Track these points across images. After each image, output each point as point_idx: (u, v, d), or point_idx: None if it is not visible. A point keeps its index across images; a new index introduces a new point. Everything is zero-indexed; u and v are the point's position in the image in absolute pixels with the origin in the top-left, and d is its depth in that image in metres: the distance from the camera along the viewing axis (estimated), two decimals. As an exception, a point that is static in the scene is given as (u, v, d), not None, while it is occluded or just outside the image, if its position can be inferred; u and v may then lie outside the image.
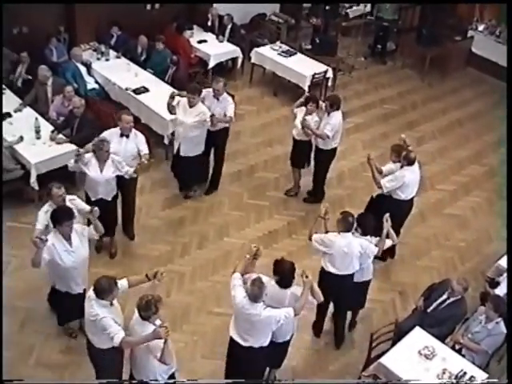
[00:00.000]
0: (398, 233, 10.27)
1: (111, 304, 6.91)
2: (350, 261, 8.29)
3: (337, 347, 9.12)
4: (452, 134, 14.76)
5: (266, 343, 7.39)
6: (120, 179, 9.46)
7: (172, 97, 10.63)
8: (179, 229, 10.91)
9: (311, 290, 7.31)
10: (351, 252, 8.23)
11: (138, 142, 9.73)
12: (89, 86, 13.27)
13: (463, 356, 7.97)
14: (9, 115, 11.57)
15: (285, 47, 15.80)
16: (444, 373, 7.52)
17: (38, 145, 10.90)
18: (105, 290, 6.76)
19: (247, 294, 7.05)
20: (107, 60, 14.12)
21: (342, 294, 8.60)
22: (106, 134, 9.52)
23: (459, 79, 17.33)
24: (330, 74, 15.01)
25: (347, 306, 9.06)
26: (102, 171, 9.11)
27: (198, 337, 8.84)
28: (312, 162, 11.49)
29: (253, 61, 15.76)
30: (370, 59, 18.03)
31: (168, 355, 6.61)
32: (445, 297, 8.25)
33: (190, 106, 10.40)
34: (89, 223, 8.20)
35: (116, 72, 13.63)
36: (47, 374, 8.19)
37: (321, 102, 11.07)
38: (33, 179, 10.49)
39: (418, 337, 8.00)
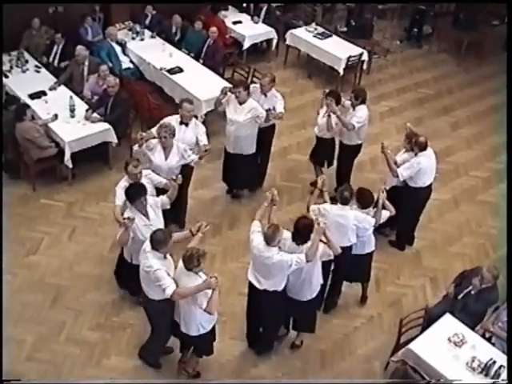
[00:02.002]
0: (417, 221, 10.24)
1: (165, 257, 7.18)
2: (344, 233, 8.33)
3: (324, 312, 9.15)
4: (487, 120, 14.56)
5: (279, 288, 7.68)
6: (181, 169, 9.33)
7: (224, 92, 10.12)
8: (211, 209, 10.95)
9: (328, 243, 7.54)
10: (346, 224, 8.28)
11: (197, 132, 9.64)
12: (123, 66, 13.35)
13: (493, 344, 7.91)
14: (44, 93, 11.69)
15: (320, 29, 15.71)
16: (473, 361, 7.47)
17: (72, 123, 10.99)
18: (160, 240, 7.02)
19: (263, 238, 7.38)
20: (142, 39, 14.22)
21: (337, 266, 8.65)
22: (165, 120, 9.34)
23: (496, 64, 17.01)
24: (365, 57, 14.89)
25: (347, 278, 9.15)
26: (166, 158, 9.06)
27: (227, 318, 8.84)
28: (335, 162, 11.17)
29: (288, 42, 15.71)
30: (406, 43, 17.87)
31: (213, 305, 6.95)
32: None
33: (240, 103, 10.00)
34: (158, 194, 8.40)
35: (151, 52, 13.69)
36: (77, 351, 8.31)
37: (343, 100, 10.58)
38: (67, 157, 10.59)
39: (448, 323, 7.95)
